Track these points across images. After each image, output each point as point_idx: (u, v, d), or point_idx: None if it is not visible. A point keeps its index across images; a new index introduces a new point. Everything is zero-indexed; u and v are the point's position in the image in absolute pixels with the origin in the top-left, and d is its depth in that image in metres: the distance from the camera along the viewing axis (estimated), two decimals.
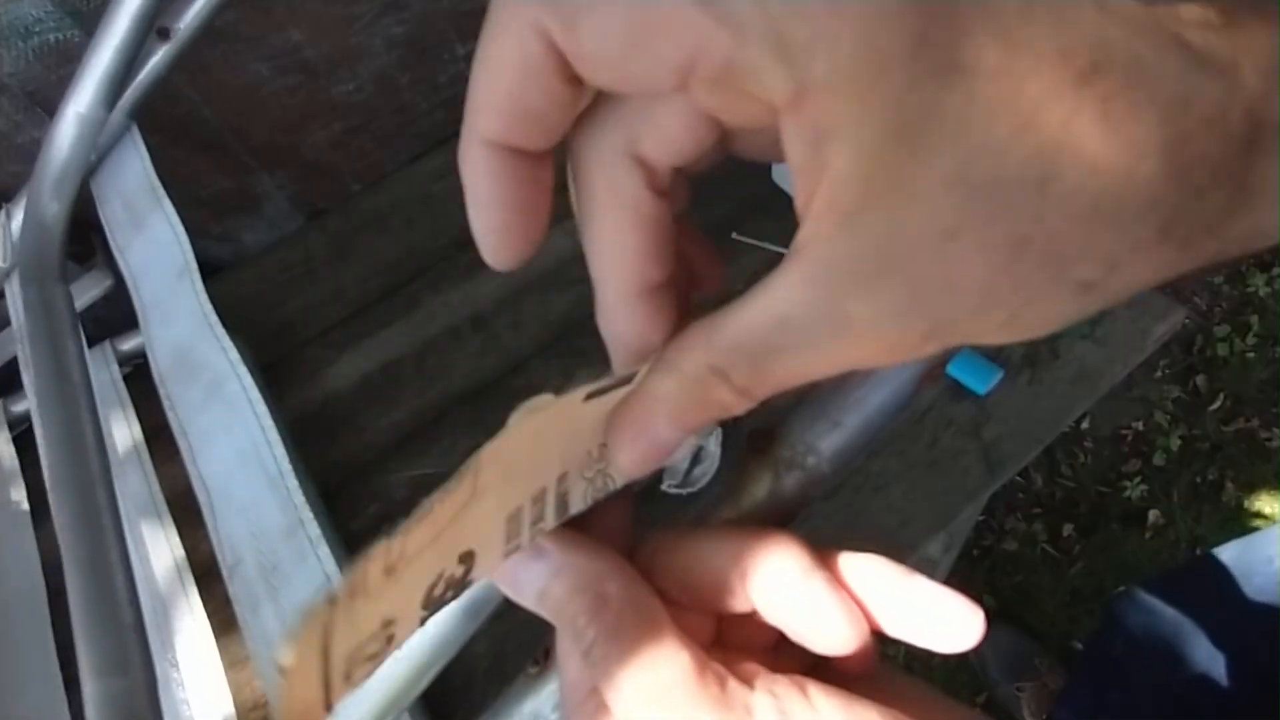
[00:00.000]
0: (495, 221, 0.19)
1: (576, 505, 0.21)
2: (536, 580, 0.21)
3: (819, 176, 0.15)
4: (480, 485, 0.21)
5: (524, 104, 0.17)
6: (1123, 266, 0.15)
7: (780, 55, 0.15)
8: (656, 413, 0.19)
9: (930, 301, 0.16)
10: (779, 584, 0.20)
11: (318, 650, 0.20)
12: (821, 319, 0.16)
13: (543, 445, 0.21)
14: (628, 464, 0.20)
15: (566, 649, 0.21)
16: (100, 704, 0.35)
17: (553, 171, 0.19)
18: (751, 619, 0.21)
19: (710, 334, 0.18)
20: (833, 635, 0.20)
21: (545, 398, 0.21)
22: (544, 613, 0.21)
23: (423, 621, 0.20)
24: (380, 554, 0.21)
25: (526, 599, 0.22)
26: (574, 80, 0.17)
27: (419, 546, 0.21)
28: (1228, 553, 0.74)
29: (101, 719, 0.34)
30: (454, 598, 0.20)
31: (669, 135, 0.18)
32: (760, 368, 0.17)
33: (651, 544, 0.23)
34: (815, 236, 0.16)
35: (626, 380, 0.20)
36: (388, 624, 0.20)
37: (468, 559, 0.20)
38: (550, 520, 0.20)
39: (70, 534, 0.40)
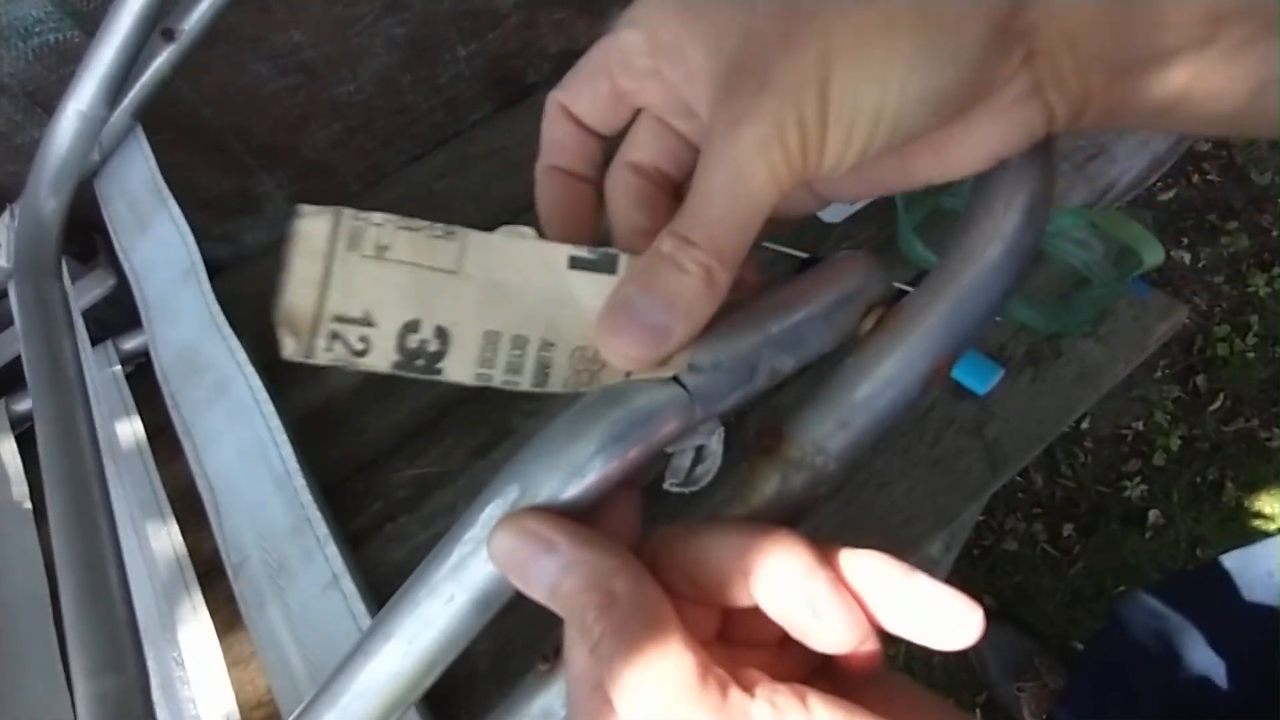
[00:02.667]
0: (555, 225, 0.27)
1: (554, 385, 0.23)
2: (547, 575, 0.21)
3: (699, 80, 0.23)
4: (465, 266, 0.23)
5: (555, 141, 0.27)
6: None
7: (632, 24, 0.24)
8: (631, 283, 0.22)
9: (753, 58, 0.21)
10: (781, 582, 0.20)
11: (322, 254, 0.22)
12: (716, 141, 0.21)
13: (526, 282, 0.23)
14: (619, 345, 0.22)
15: (574, 643, 0.21)
16: (93, 703, 0.34)
17: (593, 195, 0.27)
18: (757, 614, 0.21)
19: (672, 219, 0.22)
20: (833, 636, 0.20)
21: (529, 230, 0.24)
22: (554, 607, 0.22)
23: (393, 367, 0.22)
24: (377, 224, 0.22)
25: (537, 593, 0.22)
26: (578, 122, 0.27)
27: (404, 254, 0.22)
28: (1231, 560, 0.74)
29: (95, 718, 0.34)
30: (423, 370, 0.22)
31: (593, 106, 0.26)
32: (700, 214, 0.21)
33: (658, 537, 0.23)
34: (709, 114, 0.22)
35: (609, 264, 0.23)
36: (366, 318, 0.22)
37: (443, 337, 0.22)
38: (525, 381, 0.23)
39: (63, 531, 0.40)
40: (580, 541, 0.21)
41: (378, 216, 0.22)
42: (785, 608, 0.20)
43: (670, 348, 0.22)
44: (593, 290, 0.23)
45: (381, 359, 0.22)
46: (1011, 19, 0.20)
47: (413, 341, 0.22)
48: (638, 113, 0.27)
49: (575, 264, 0.23)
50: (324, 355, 0.22)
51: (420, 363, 0.22)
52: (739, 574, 0.21)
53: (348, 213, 0.22)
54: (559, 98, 0.26)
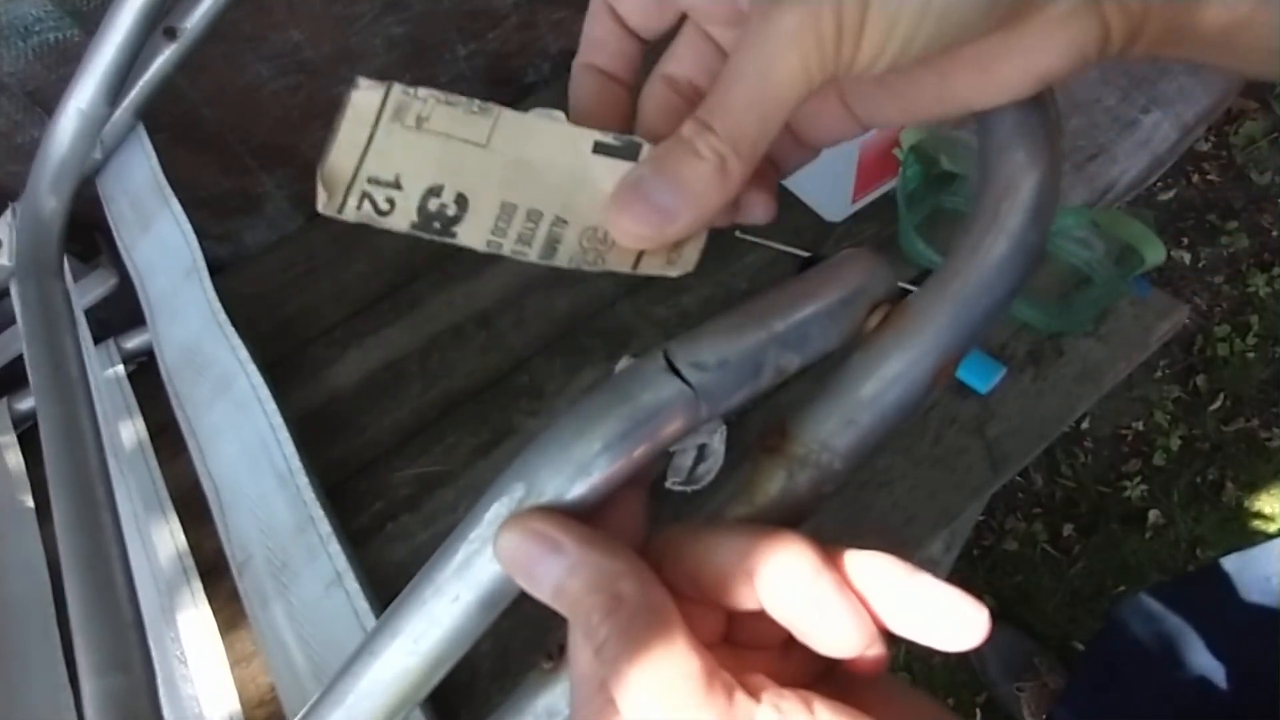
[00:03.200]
0: (585, 121, 0.25)
1: (560, 260, 0.25)
2: (552, 576, 0.21)
3: None
4: (494, 140, 0.24)
5: (596, 39, 0.27)
6: None
7: None
8: (647, 164, 0.22)
9: None
10: (786, 584, 0.20)
11: (369, 124, 0.24)
12: (750, 28, 0.20)
13: (550, 161, 0.24)
14: (624, 222, 0.22)
15: (579, 643, 0.21)
16: (100, 702, 0.34)
17: (626, 97, 0.27)
18: (762, 616, 0.21)
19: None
20: (839, 639, 0.20)
21: (560, 113, 0.25)
22: (559, 607, 0.21)
23: (411, 227, 0.24)
24: (422, 98, 0.24)
25: (542, 594, 0.21)
26: (621, 22, 0.26)
27: (440, 126, 0.24)
28: (1231, 562, 0.74)
29: (101, 717, 0.34)
30: (439, 232, 0.24)
31: (638, 5, 0.26)
32: (723, 101, 0.21)
33: (663, 539, 0.23)
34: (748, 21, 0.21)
35: (631, 151, 0.24)
36: (396, 181, 0.24)
37: (462, 203, 0.24)
38: (533, 253, 0.24)
39: (69, 531, 0.40)
40: (586, 543, 0.21)
41: (424, 91, 0.24)
42: (791, 611, 0.20)
43: (675, 231, 0.22)
44: (612, 174, 0.24)
45: (402, 219, 0.24)
46: None
47: (433, 205, 0.24)
48: (681, 21, 0.26)
49: (599, 149, 0.24)
50: (353, 213, 0.24)
51: (437, 225, 0.24)
52: (744, 577, 0.21)
53: (397, 87, 0.24)
54: None
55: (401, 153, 0.24)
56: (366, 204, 0.24)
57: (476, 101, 0.24)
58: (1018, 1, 0.20)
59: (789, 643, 0.22)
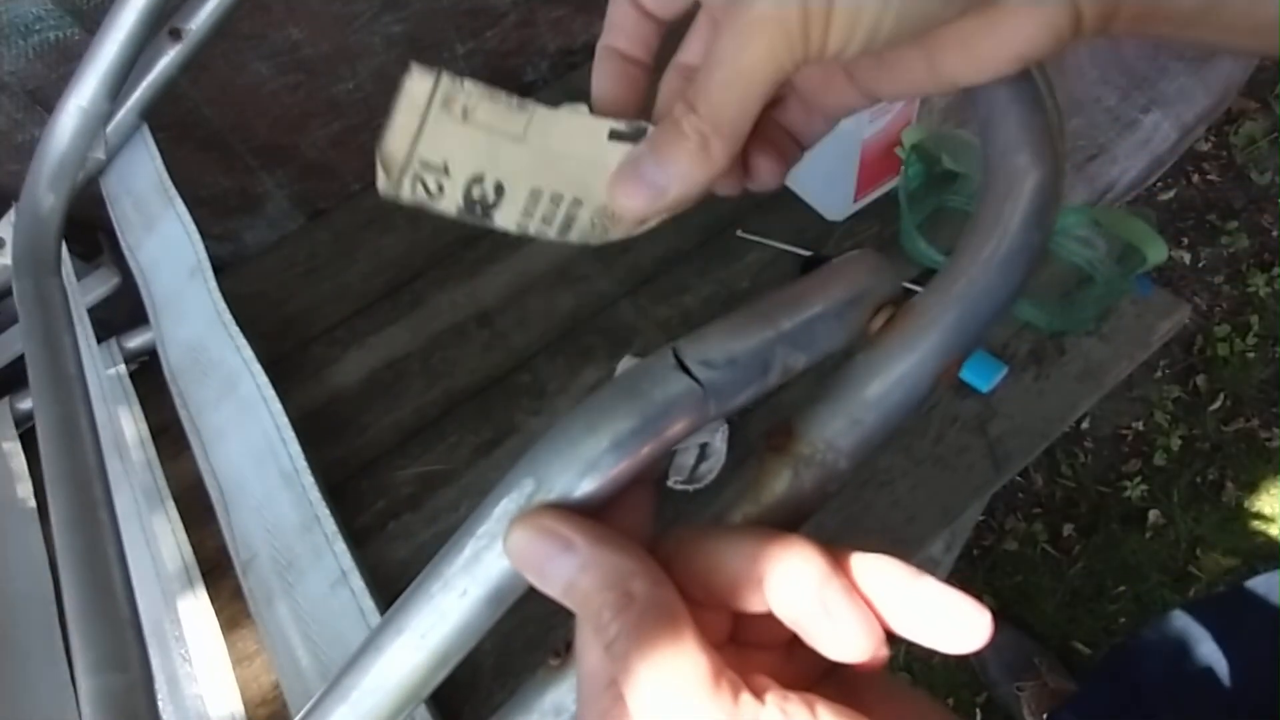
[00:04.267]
0: (604, 102, 0.28)
1: (573, 236, 0.27)
2: (564, 573, 0.21)
3: None
4: (528, 134, 0.26)
5: (616, 22, 0.28)
6: None
7: None
8: (645, 143, 0.24)
9: None
10: (796, 590, 0.20)
11: (421, 110, 0.26)
12: (729, 13, 0.21)
13: (573, 150, 0.26)
14: (620, 197, 0.25)
15: (588, 640, 0.21)
16: (97, 701, 0.34)
17: (645, 79, 0.28)
18: (768, 616, 0.21)
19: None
20: (847, 644, 0.20)
21: (583, 106, 0.27)
22: (570, 604, 0.22)
23: (458, 211, 0.27)
24: (468, 91, 0.26)
25: (553, 590, 0.22)
26: (639, 5, 0.27)
27: (483, 119, 0.26)
28: (1258, 584, 0.74)
29: (99, 716, 0.34)
30: (480, 217, 0.27)
31: None
32: (703, 83, 0.22)
33: (671, 540, 0.23)
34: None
35: (638, 135, 0.26)
36: (444, 168, 0.26)
37: (499, 191, 0.26)
38: (552, 232, 0.27)
39: (66, 529, 0.39)
40: (597, 540, 0.21)
41: (469, 84, 0.26)
42: (801, 617, 0.20)
43: (665, 204, 0.24)
44: (622, 158, 0.26)
45: (450, 203, 0.27)
46: None
47: (476, 192, 0.26)
48: (696, 6, 0.27)
49: (613, 135, 0.26)
50: (408, 194, 0.27)
51: (478, 210, 0.27)
52: (753, 580, 0.21)
53: (446, 77, 0.26)
54: None
55: (450, 141, 0.26)
56: (419, 187, 0.26)
57: (516, 98, 0.26)
58: None
59: (793, 642, 0.22)
